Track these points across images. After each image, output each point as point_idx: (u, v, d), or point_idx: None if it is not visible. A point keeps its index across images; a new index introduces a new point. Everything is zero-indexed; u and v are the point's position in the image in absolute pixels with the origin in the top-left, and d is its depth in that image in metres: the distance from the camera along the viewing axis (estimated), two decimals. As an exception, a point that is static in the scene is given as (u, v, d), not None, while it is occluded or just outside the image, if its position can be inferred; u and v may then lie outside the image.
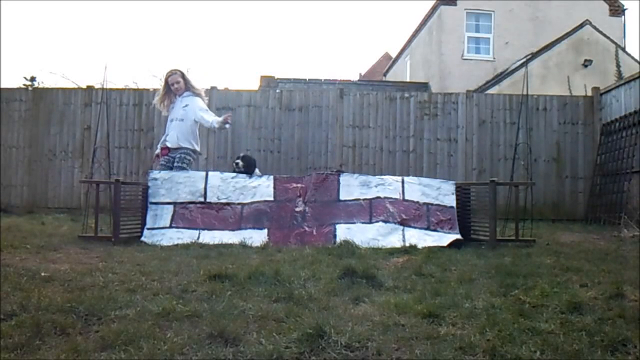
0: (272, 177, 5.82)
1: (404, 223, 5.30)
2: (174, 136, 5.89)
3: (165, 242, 5.06)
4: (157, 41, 49.10)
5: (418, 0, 42.35)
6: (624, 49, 13.93)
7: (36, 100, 9.12)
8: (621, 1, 15.75)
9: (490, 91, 12.46)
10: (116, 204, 5.15)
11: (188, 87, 5.94)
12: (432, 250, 4.61)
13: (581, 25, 13.50)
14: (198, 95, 5.98)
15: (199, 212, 5.45)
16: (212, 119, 5.88)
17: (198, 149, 6.06)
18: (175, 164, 5.85)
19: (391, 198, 5.47)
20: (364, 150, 9.01)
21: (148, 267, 3.70)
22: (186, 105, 5.87)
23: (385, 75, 24.12)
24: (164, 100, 6.02)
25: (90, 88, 9.19)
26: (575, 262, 4.11)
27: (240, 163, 5.96)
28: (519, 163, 6.56)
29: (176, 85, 5.87)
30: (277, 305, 2.71)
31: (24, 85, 11.89)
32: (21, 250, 4.33)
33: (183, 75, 5.93)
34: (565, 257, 4.37)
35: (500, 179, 6.74)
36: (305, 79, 15.94)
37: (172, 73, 5.90)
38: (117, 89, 9.24)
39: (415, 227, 5.29)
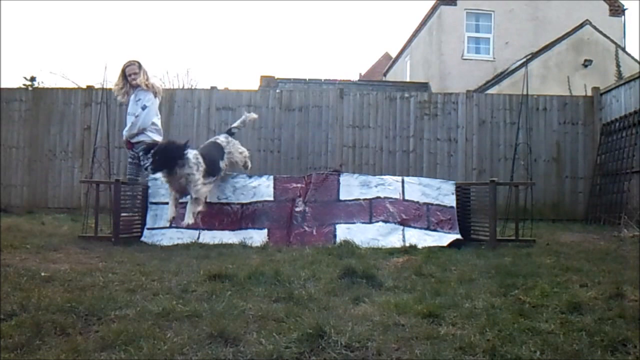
0: (272, 177, 5.81)
1: (404, 223, 5.30)
2: (132, 128, 5.78)
3: (165, 242, 5.07)
4: (157, 41, 49.11)
5: (418, 0, 42.37)
6: (624, 49, 13.93)
7: (36, 100, 9.13)
8: (621, 1, 15.75)
9: (490, 91, 12.46)
10: (116, 204, 5.15)
11: (144, 80, 5.73)
12: (432, 250, 4.61)
13: (581, 25, 13.51)
14: (150, 90, 5.74)
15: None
16: (129, 126, 5.73)
17: (158, 139, 5.73)
18: (142, 163, 5.77)
19: (391, 198, 5.47)
20: (364, 150, 9.01)
21: (148, 267, 3.71)
22: (139, 100, 5.75)
23: (385, 75, 24.12)
24: (122, 89, 5.85)
25: (90, 88, 9.20)
26: (575, 262, 4.11)
27: (149, 166, 4.77)
28: (519, 163, 6.56)
29: (133, 76, 5.73)
30: (277, 305, 2.71)
31: (24, 85, 11.87)
32: (21, 250, 4.33)
33: (140, 67, 5.77)
34: (565, 257, 4.37)
35: (500, 179, 6.74)
36: (305, 79, 15.94)
37: (129, 64, 5.77)
38: (117, 89, 9.23)
39: (415, 227, 5.29)
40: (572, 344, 2.18)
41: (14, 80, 55.96)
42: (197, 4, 52.35)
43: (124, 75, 5.78)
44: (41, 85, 12.41)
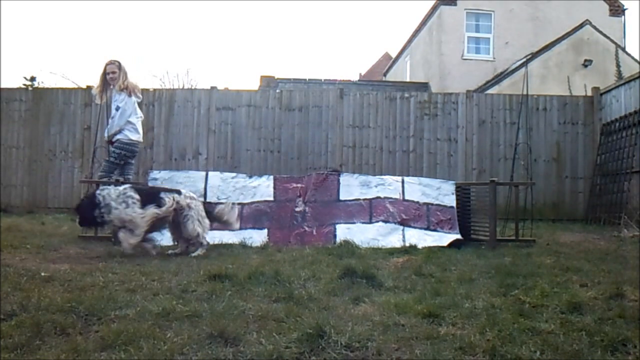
0: (272, 177, 5.82)
1: (404, 223, 5.31)
2: (110, 130, 5.88)
3: (165, 242, 5.06)
4: (157, 41, 49.07)
5: (418, 0, 42.35)
6: (624, 49, 13.93)
7: (36, 100, 9.13)
8: (621, 1, 15.75)
9: (490, 91, 12.46)
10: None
11: (120, 81, 5.76)
12: (432, 250, 4.61)
13: (581, 25, 13.50)
14: (125, 91, 5.77)
15: (199, 212, 5.44)
16: (107, 128, 5.82)
17: (135, 138, 5.85)
18: (108, 160, 5.81)
19: (391, 198, 5.47)
20: (364, 150, 9.01)
21: (148, 267, 3.71)
22: (115, 101, 5.83)
23: (385, 75, 24.11)
24: (103, 90, 5.91)
25: (90, 88, 9.17)
26: (575, 262, 4.12)
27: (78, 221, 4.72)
28: (519, 163, 6.56)
29: (111, 75, 5.78)
30: (277, 305, 2.71)
31: (24, 85, 11.86)
32: (21, 250, 4.33)
33: (120, 67, 5.81)
34: (565, 257, 4.37)
35: (500, 179, 6.73)
36: (305, 79, 15.94)
37: (110, 63, 5.83)
38: (117, 89, 9.23)
39: (415, 227, 5.29)
40: (572, 344, 2.18)
41: (14, 80, 55.96)
42: (197, 4, 52.36)
43: (105, 74, 5.86)
44: (41, 85, 12.40)
